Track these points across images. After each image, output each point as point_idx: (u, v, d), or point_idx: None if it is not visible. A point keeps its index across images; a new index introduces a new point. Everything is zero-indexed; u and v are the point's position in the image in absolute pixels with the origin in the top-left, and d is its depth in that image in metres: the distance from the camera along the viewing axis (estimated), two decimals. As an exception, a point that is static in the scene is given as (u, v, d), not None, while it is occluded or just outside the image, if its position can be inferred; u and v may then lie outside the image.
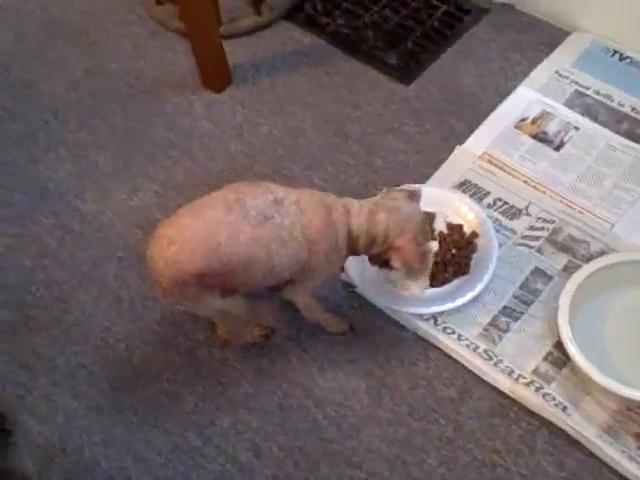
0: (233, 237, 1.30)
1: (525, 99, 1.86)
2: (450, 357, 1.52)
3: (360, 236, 1.39)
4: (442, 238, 1.63)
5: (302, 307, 1.50)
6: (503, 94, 1.89)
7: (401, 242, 1.38)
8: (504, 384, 1.46)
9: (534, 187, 1.72)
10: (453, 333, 1.53)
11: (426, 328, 1.54)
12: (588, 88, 1.86)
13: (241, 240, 1.31)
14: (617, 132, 1.79)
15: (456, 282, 1.58)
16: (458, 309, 1.54)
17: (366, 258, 1.61)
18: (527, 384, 1.45)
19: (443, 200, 1.67)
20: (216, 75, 1.98)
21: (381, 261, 1.46)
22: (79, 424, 1.51)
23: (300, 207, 1.35)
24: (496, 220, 1.66)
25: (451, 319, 1.55)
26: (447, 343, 1.52)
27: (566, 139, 1.79)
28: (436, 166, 1.78)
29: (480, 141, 1.80)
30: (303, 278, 1.42)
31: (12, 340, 1.62)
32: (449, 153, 1.80)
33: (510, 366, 1.48)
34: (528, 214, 1.67)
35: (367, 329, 1.57)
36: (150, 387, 1.54)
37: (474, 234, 1.63)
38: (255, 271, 1.35)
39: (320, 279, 1.46)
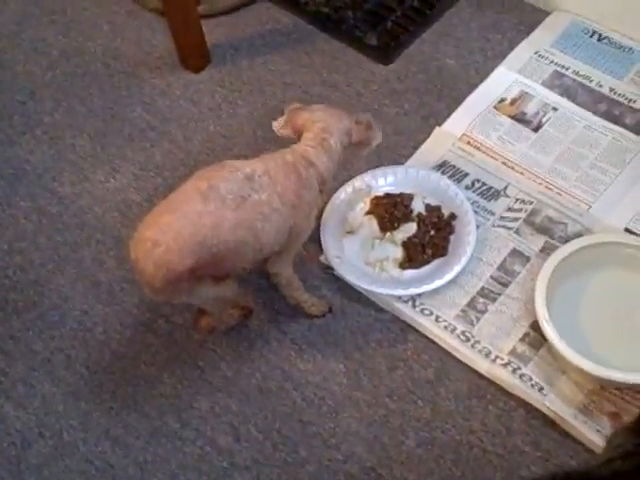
0: (217, 226, 1.30)
1: (504, 80, 1.86)
2: (428, 339, 1.53)
3: (330, 173, 1.43)
4: (420, 219, 1.63)
5: (285, 282, 1.50)
6: (483, 75, 1.88)
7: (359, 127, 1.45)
8: (481, 365, 1.47)
9: (512, 168, 1.72)
10: (431, 315, 1.54)
11: (404, 310, 1.54)
12: (567, 69, 1.86)
13: (225, 227, 1.30)
14: (595, 113, 1.78)
15: (434, 264, 1.59)
16: (436, 291, 1.55)
17: (344, 240, 1.62)
18: (504, 365, 1.46)
19: (422, 181, 1.67)
20: (194, 55, 1.96)
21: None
22: (57, 408, 1.50)
23: (271, 177, 1.35)
24: (474, 202, 1.66)
25: (429, 301, 1.55)
26: (425, 325, 1.53)
27: (544, 120, 1.79)
28: (415, 147, 1.78)
29: (459, 122, 1.80)
30: (289, 245, 1.42)
31: (-11, 324, 1.61)
32: (429, 134, 1.79)
33: (487, 347, 1.49)
34: (506, 195, 1.68)
35: (345, 311, 1.57)
36: (128, 371, 1.54)
37: (452, 216, 1.63)
38: (245, 253, 1.35)
39: (303, 241, 1.46)
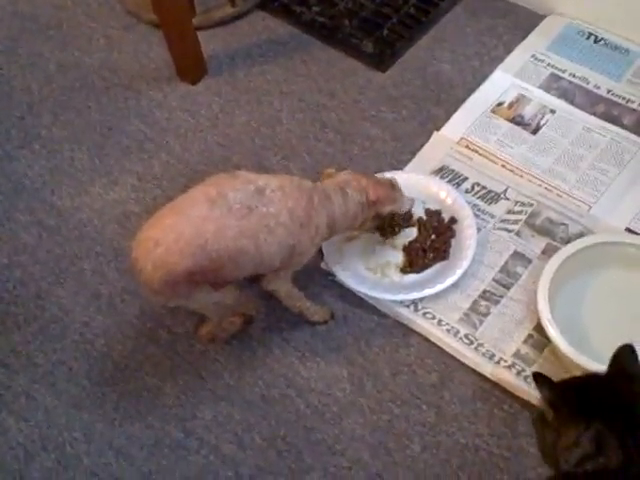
0: (220, 233, 1.30)
1: (501, 83, 1.86)
2: (431, 343, 1.52)
3: (341, 217, 1.43)
4: (421, 224, 1.63)
5: (284, 295, 1.50)
6: (479, 79, 1.88)
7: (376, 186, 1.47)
8: (485, 368, 1.46)
9: (512, 171, 1.71)
10: (433, 318, 1.53)
11: (406, 314, 1.54)
12: (564, 71, 1.86)
13: (228, 235, 1.30)
14: (593, 114, 1.79)
15: (436, 268, 1.58)
16: (438, 294, 1.54)
17: (344, 246, 1.61)
18: (508, 367, 1.46)
19: (421, 186, 1.66)
20: (191, 66, 1.97)
21: (377, 225, 1.54)
22: (59, 421, 1.49)
23: (285, 192, 1.36)
24: (475, 205, 1.66)
25: (431, 305, 1.54)
26: (428, 329, 1.52)
27: (542, 122, 1.79)
28: (414, 152, 1.78)
29: (457, 126, 1.80)
30: (287, 264, 1.41)
31: (-10, 338, 1.61)
32: (427, 139, 1.79)
33: (491, 350, 1.48)
34: (506, 198, 1.67)
35: (348, 317, 1.56)
36: (131, 382, 1.53)
37: (453, 220, 1.63)
38: (245, 263, 1.35)
39: (302, 264, 1.46)
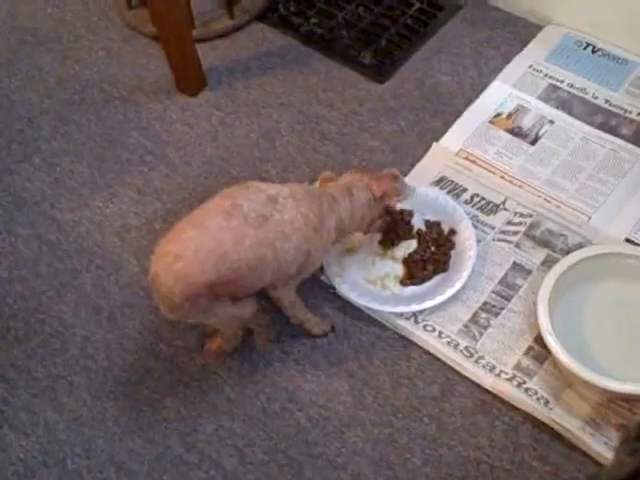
0: (238, 243, 1.31)
1: (500, 94, 1.86)
2: (432, 355, 1.52)
3: (348, 220, 1.45)
4: (421, 236, 1.63)
5: (287, 304, 1.50)
6: (478, 90, 1.89)
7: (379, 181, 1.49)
8: (486, 380, 1.46)
9: (511, 182, 1.72)
10: (434, 331, 1.53)
11: (406, 327, 1.54)
12: (562, 82, 1.87)
13: (246, 244, 1.31)
14: (592, 125, 1.79)
15: (435, 280, 1.58)
16: (438, 306, 1.54)
17: (344, 258, 1.61)
18: (509, 379, 1.46)
19: (421, 197, 1.66)
20: (190, 79, 1.97)
21: (380, 227, 1.56)
22: (60, 436, 1.49)
23: (296, 199, 1.37)
24: (474, 216, 1.66)
25: (431, 317, 1.54)
26: (428, 341, 1.52)
27: (541, 133, 1.79)
28: (413, 164, 1.78)
29: (456, 138, 1.80)
30: (300, 271, 1.42)
31: (-10, 353, 1.61)
32: (426, 150, 1.80)
33: (491, 362, 1.48)
34: (505, 209, 1.67)
35: (348, 330, 1.56)
36: (131, 396, 1.53)
37: (452, 231, 1.63)
38: (264, 272, 1.36)
39: (312, 271, 1.47)
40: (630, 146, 1.75)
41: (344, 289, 1.57)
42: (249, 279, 1.35)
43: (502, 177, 1.73)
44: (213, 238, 1.31)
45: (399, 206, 1.64)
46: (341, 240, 1.52)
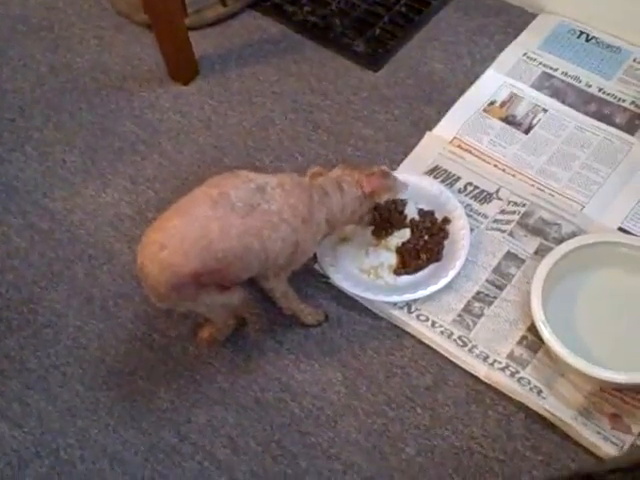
0: (224, 232, 1.30)
1: (493, 82, 1.86)
2: (425, 345, 1.52)
3: (339, 213, 1.44)
4: (414, 225, 1.62)
5: (279, 295, 1.49)
6: (471, 78, 1.88)
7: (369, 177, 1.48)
8: (479, 370, 1.47)
9: (504, 171, 1.71)
10: (427, 320, 1.53)
11: (400, 316, 1.54)
12: (556, 70, 1.86)
13: (233, 233, 1.31)
14: (585, 113, 1.79)
15: (429, 269, 1.58)
16: (431, 296, 1.54)
17: (338, 247, 1.61)
18: (502, 369, 1.46)
19: (414, 186, 1.66)
20: (183, 67, 1.96)
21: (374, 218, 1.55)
22: (53, 427, 1.49)
23: (285, 189, 1.36)
24: (467, 205, 1.66)
25: (425, 306, 1.54)
26: (421, 330, 1.52)
27: (535, 121, 1.78)
28: (406, 153, 1.77)
29: (450, 126, 1.80)
30: (290, 262, 1.42)
31: (-17, 343, 1.60)
32: (419, 139, 1.79)
33: (485, 351, 1.48)
34: (499, 198, 1.67)
35: (341, 320, 1.56)
36: (125, 386, 1.52)
37: (446, 220, 1.62)
38: (251, 262, 1.35)
39: (302, 262, 1.46)
40: (624, 135, 1.74)
41: (338, 279, 1.56)
42: (235, 268, 1.34)
43: (495, 166, 1.72)
44: (199, 227, 1.30)
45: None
46: (332, 233, 1.51)
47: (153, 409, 1.50)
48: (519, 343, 1.49)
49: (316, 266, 1.60)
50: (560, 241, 1.57)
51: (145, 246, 1.32)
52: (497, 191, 1.68)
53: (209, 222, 1.30)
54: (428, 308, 1.54)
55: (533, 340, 1.48)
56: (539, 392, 1.42)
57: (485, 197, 1.68)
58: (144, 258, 1.31)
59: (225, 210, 1.31)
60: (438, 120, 1.82)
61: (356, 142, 1.81)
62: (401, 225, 1.63)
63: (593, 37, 1.91)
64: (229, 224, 1.31)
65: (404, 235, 1.62)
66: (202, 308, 1.41)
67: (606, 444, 1.36)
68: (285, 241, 1.36)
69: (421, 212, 1.64)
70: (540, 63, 1.88)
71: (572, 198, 1.66)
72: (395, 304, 1.54)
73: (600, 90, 1.82)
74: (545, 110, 1.80)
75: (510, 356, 1.47)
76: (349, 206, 1.46)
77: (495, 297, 1.55)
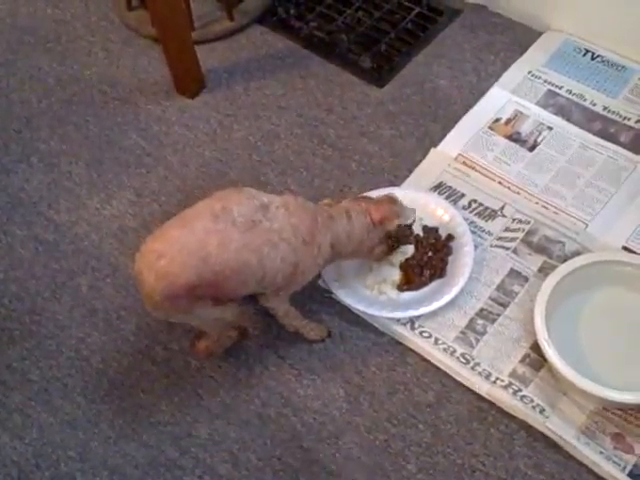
0: (223, 245, 1.30)
1: (498, 100, 1.86)
2: (428, 361, 1.51)
3: (345, 239, 1.43)
4: (418, 241, 1.62)
5: (281, 314, 1.50)
6: (477, 95, 1.88)
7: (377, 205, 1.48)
8: (482, 387, 1.46)
9: (509, 188, 1.71)
10: (430, 337, 1.52)
11: (403, 332, 1.53)
12: (561, 88, 1.87)
13: (231, 248, 1.31)
14: (590, 131, 1.79)
15: (432, 285, 1.58)
16: (435, 313, 1.54)
17: (342, 263, 1.61)
18: (505, 387, 1.45)
19: (419, 203, 1.66)
20: (189, 81, 1.97)
21: (385, 249, 1.53)
22: (54, 439, 1.49)
23: (289, 210, 1.37)
24: (472, 222, 1.66)
25: (428, 323, 1.54)
26: (424, 347, 1.52)
27: (540, 139, 1.79)
28: (411, 169, 1.78)
29: (454, 143, 1.80)
30: (289, 282, 1.41)
31: (-15, 354, 1.60)
32: (424, 155, 1.79)
33: (487, 369, 1.48)
34: (503, 215, 1.67)
35: (344, 335, 1.56)
36: (126, 399, 1.52)
37: (450, 237, 1.62)
38: (247, 278, 1.35)
39: (302, 284, 1.46)
40: (628, 153, 1.74)
41: (341, 294, 1.56)
42: (232, 283, 1.34)
43: (500, 183, 1.72)
44: (198, 239, 1.30)
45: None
46: (340, 260, 1.51)
47: (154, 422, 1.49)
48: (522, 361, 1.48)
49: (320, 281, 1.60)
50: (564, 259, 1.57)
51: (144, 254, 1.32)
52: (501, 208, 1.68)
53: (209, 235, 1.30)
54: (431, 325, 1.54)
55: (536, 358, 1.48)
56: (542, 410, 1.41)
57: (489, 214, 1.68)
58: (142, 265, 1.31)
59: (226, 224, 1.31)
60: (443, 136, 1.82)
61: (361, 157, 1.82)
62: (406, 241, 1.62)
63: (598, 55, 1.91)
64: (228, 238, 1.31)
65: (408, 251, 1.62)
66: (195, 320, 1.42)
67: (608, 464, 1.36)
68: (284, 260, 1.36)
69: (425, 228, 1.64)
70: (545, 81, 1.88)
71: (576, 216, 1.66)
72: (398, 320, 1.54)
73: (605, 108, 1.82)
74: (550, 128, 1.80)
75: (513, 374, 1.47)
76: (357, 234, 1.45)
77: (498, 315, 1.54)
